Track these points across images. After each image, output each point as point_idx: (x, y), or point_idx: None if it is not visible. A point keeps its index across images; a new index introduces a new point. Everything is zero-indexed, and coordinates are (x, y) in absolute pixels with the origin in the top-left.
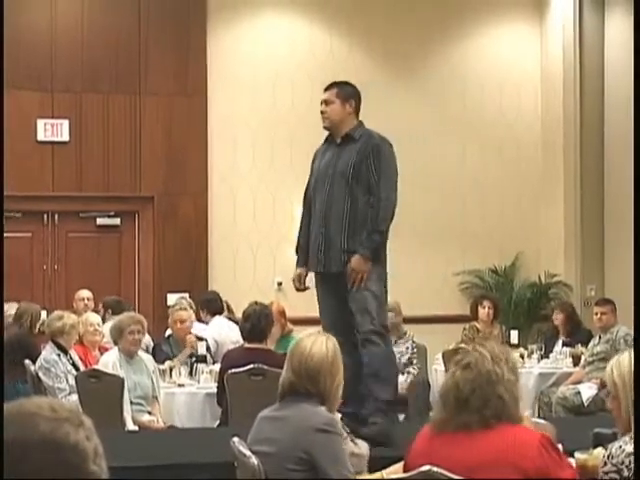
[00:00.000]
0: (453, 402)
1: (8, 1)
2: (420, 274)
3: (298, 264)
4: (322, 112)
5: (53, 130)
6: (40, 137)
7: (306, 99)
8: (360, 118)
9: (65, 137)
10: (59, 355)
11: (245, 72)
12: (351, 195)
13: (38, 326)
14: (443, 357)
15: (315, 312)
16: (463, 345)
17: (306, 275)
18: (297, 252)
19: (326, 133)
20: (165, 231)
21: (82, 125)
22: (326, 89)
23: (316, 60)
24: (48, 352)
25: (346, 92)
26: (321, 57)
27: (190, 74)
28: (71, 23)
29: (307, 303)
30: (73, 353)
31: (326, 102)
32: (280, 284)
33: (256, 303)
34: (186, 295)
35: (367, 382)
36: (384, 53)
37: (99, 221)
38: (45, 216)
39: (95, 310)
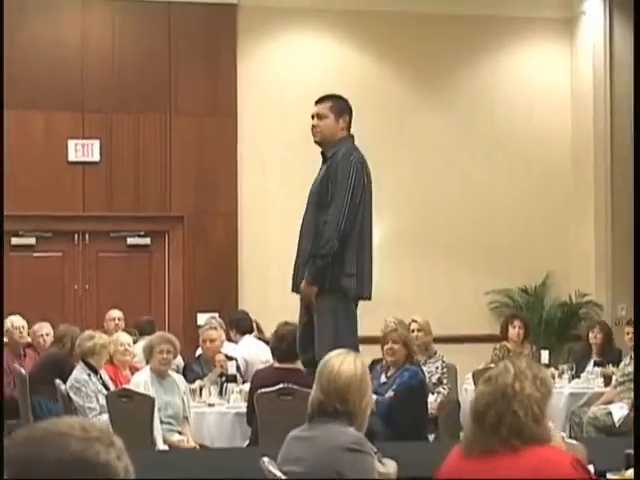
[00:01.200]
0: (472, 418)
1: (40, 23)
2: (449, 293)
3: None
4: (313, 126)
5: (84, 150)
6: (71, 157)
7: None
8: (391, 137)
9: (96, 157)
10: (89, 375)
11: (274, 92)
12: (317, 218)
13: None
14: (473, 377)
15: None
16: (493, 365)
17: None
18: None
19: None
20: (195, 251)
21: (112, 145)
22: (318, 102)
23: (346, 80)
24: (79, 372)
25: (340, 106)
26: (351, 77)
27: (220, 94)
28: (102, 44)
29: None
30: (103, 373)
31: (318, 116)
32: None
33: (287, 323)
34: (216, 315)
35: None
36: (414, 72)
37: (129, 241)
38: (76, 236)
39: (126, 330)
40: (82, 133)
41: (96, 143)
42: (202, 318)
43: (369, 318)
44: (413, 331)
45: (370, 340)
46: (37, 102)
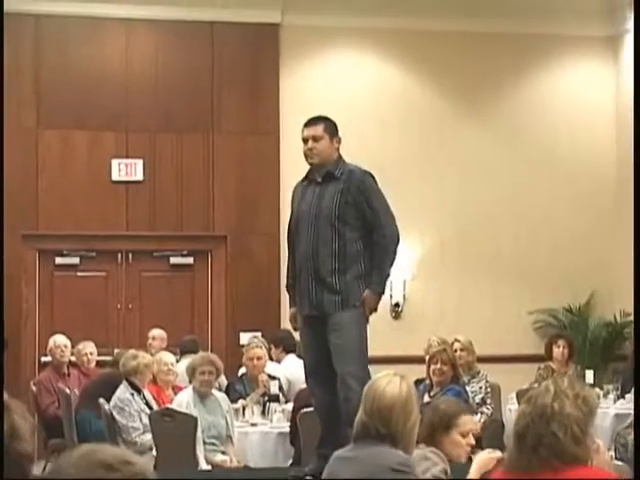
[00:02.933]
0: (513, 438)
1: (84, 43)
2: (492, 312)
3: (292, 303)
4: (310, 149)
5: (127, 170)
6: (115, 177)
7: (377, 137)
8: (433, 154)
9: (139, 177)
10: (133, 394)
11: (316, 111)
12: (338, 235)
13: None
14: (517, 397)
15: (392, 351)
16: (537, 385)
17: None
18: (288, 290)
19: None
20: (238, 270)
21: (156, 164)
22: (309, 124)
23: (387, 98)
24: (122, 391)
25: (332, 128)
26: (392, 95)
27: (262, 113)
28: (145, 63)
29: (383, 342)
30: (147, 392)
31: (314, 138)
32: None
33: None
34: (258, 334)
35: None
36: (456, 90)
37: (172, 260)
38: (119, 255)
39: (168, 350)
40: (126, 152)
41: (139, 162)
42: (245, 337)
43: (411, 337)
44: (456, 350)
45: (412, 359)
46: (81, 122)
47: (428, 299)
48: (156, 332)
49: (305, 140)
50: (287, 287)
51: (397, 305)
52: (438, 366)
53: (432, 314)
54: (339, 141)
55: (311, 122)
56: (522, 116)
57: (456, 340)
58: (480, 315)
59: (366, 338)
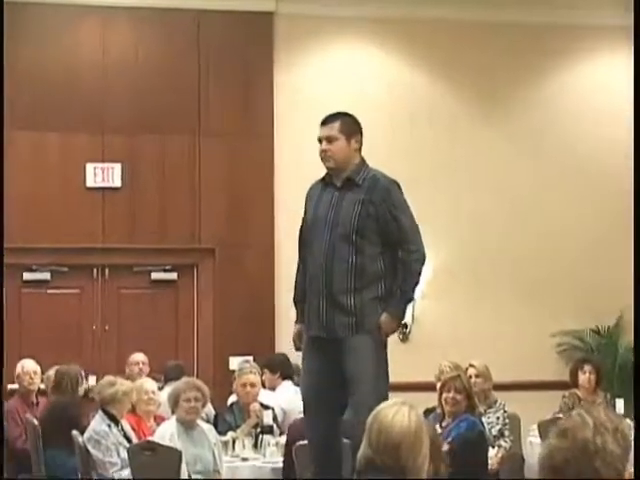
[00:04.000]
0: (548, 475)
1: (55, 36)
2: (511, 334)
3: (298, 319)
4: (324, 151)
5: (103, 175)
6: (89, 183)
7: (383, 139)
8: (445, 157)
9: (117, 183)
10: (109, 425)
11: (316, 109)
12: (356, 250)
13: (83, 391)
14: (539, 428)
15: (399, 377)
16: (561, 415)
17: None
18: (296, 304)
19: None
20: (227, 287)
21: (135, 169)
22: (325, 123)
23: (395, 94)
24: (98, 422)
25: (350, 126)
26: (400, 92)
27: (255, 112)
28: (124, 57)
29: (389, 367)
30: (125, 423)
31: (328, 139)
32: None
33: None
34: (250, 358)
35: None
36: (469, 85)
37: (154, 276)
38: (95, 270)
39: (150, 376)
40: (102, 156)
41: (117, 167)
42: (235, 362)
43: (421, 362)
44: (471, 377)
45: (422, 387)
46: (52, 123)
47: (440, 319)
48: (136, 356)
49: (320, 140)
50: (294, 300)
51: (405, 326)
52: (450, 394)
53: (444, 336)
54: (359, 142)
55: (327, 120)
56: (544, 115)
57: (471, 365)
58: (497, 337)
59: (386, 367)
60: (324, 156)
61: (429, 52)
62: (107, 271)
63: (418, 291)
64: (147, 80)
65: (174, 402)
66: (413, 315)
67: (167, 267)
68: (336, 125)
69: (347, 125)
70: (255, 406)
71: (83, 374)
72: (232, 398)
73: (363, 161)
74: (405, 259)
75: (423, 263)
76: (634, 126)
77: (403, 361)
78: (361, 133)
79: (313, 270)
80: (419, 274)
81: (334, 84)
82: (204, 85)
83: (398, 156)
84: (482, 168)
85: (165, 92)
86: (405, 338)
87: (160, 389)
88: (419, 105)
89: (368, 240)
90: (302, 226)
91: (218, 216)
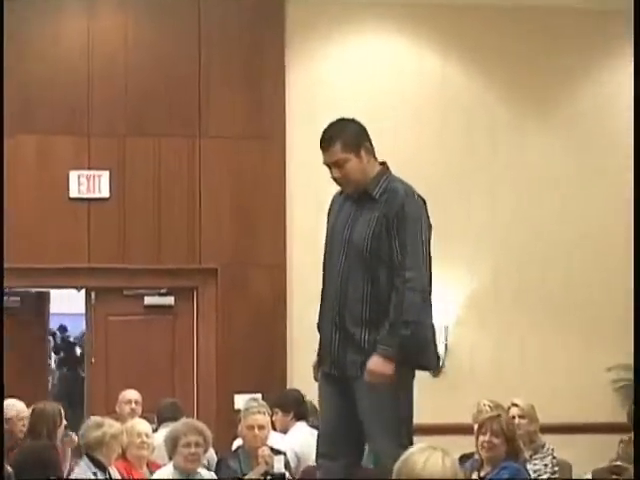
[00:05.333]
0: None
1: (36, 26)
2: (561, 367)
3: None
4: (335, 179)
5: (89, 184)
6: (73, 193)
7: (409, 140)
8: (482, 161)
9: (104, 193)
10: (95, 473)
11: (334, 108)
12: (371, 274)
13: (60, 436)
14: (594, 477)
15: (431, 418)
16: (620, 463)
17: None
18: (319, 330)
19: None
20: (232, 313)
21: (126, 178)
22: (323, 147)
23: (423, 90)
24: (82, 470)
25: (353, 139)
26: (430, 86)
27: (263, 111)
28: (113, 49)
29: (419, 406)
30: (114, 471)
31: (336, 165)
32: None
33: None
34: (258, 396)
35: None
36: (511, 78)
37: (147, 300)
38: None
39: (143, 416)
40: (87, 162)
41: (105, 175)
42: (241, 400)
43: (455, 400)
44: (514, 417)
45: (457, 429)
46: (30, 124)
47: (477, 350)
48: (127, 394)
49: (328, 166)
50: (318, 325)
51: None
52: (487, 437)
53: (482, 369)
54: (369, 148)
55: (324, 144)
56: (599, 116)
57: (513, 404)
58: (545, 371)
59: (409, 408)
60: (339, 182)
61: (464, 43)
62: (93, 295)
63: (452, 316)
64: (139, 76)
65: (172, 447)
66: (446, 345)
67: (163, 290)
68: (337, 147)
69: (349, 140)
70: (264, 451)
71: (62, 413)
72: (237, 442)
73: (383, 169)
74: (398, 286)
75: (421, 291)
76: (634, 126)
77: (435, 399)
78: (368, 137)
79: (327, 297)
80: (414, 305)
81: (353, 78)
82: (205, 80)
83: (425, 162)
84: (527, 175)
85: (160, 88)
86: (437, 372)
87: (154, 431)
88: (452, 103)
89: (384, 264)
90: (325, 241)
91: (221, 231)
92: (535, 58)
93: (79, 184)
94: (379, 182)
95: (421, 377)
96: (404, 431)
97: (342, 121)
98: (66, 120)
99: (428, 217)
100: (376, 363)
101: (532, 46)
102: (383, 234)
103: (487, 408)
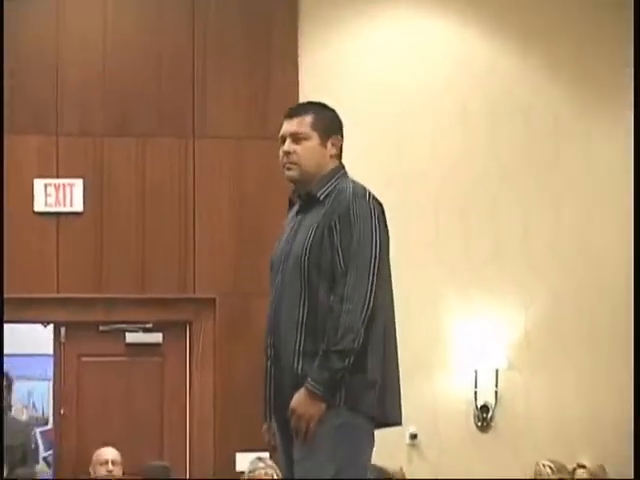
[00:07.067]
0: None
1: None
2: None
3: None
4: (286, 153)
5: (58, 195)
6: (38, 206)
7: (447, 140)
8: (540, 168)
9: (77, 206)
10: None
11: (356, 104)
12: (309, 293)
13: None
14: None
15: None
16: None
17: None
18: None
19: None
20: (233, 352)
21: (103, 187)
22: (292, 115)
23: (464, 80)
24: None
25: (327, 122)
26: (472, 75)
27: (269, 108)
28: (87, 35)
29: (465, 465)
30: None
31: (294, 137)
32: (414, 437)
33: (375, 468)
34: (265, 455)
35: None
36: (575, 70)
37: (130, 337)
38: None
39: None
40: (56, 168)
41: (78, 184)
42: (244, 460)
43: (508, 458)
44: None
45: None
46: None
47: (535, 399)
48: (103, 452)
49: (282, 139)
50: None
51: (485, 409)
52: None
53: (542, 423)
54: (338, 146)
55: (294, 111)
56: None
57: (579, 466)
58: (618, 424)
59: (364, 465)
60: (285, 161)
61: (515, 23)
62: (63, 331)
63: (503, 359)
64: (121, 65)
65: None
66: (496, 393)
67: (148, 325)
68: (307, 119)
69: (324, 120)
70: None
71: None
72: None
73: (338, 169)
74: (333, 306)
75: (361, 317)
76: (634, 127)
77: (484, 457)
78: (342, 135)
79: (267, 323)
80: (352, 331)
81: (378, 68)
82: (200, 73)
83: (466, 167)
84: (594, 184)
85: (146, 80)
86: (486, 426)
87: None
88: (503, 99)
89: (325, 278)
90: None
91: (220, 253)
92: (604, 46)
93: (46, 195)
94: (327, 182)
95: (464, 430)
96: None
97: (326, 105)
98: (30, 116)
99: (384, 224)
100: (299, 401)
101: (601, 32)
102: (325, 243)
103: (548, 470)
